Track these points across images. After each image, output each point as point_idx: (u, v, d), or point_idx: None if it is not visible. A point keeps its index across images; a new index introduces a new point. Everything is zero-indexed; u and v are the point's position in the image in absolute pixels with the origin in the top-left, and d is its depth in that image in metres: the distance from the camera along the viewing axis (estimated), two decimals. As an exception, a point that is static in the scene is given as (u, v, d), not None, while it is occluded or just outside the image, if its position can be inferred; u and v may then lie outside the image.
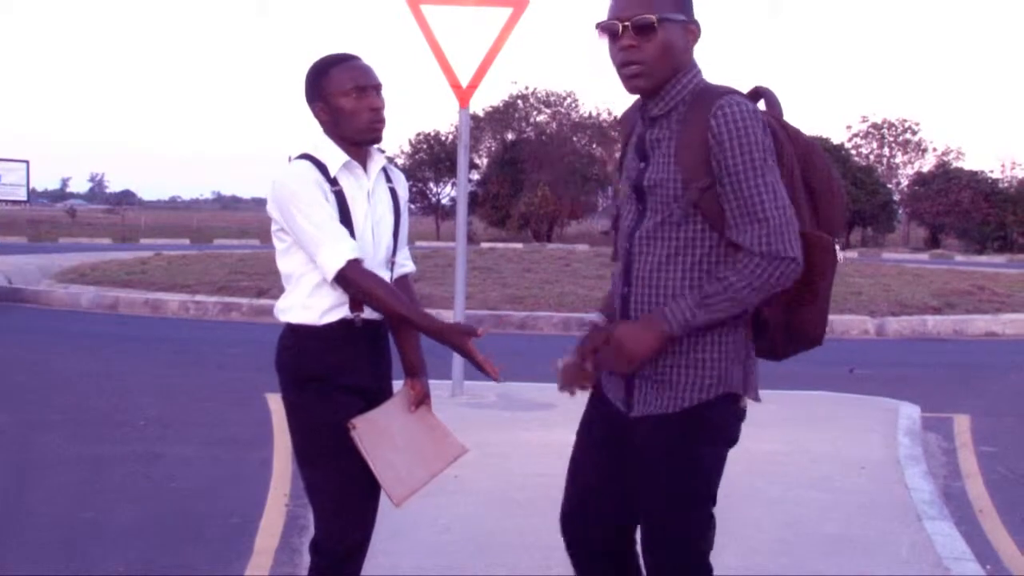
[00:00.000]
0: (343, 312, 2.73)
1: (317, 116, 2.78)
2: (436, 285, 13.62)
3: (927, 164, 46.36)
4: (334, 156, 2.73)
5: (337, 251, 2.63)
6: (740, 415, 2.45)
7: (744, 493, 4.70)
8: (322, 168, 2.72)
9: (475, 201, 39.89)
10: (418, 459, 2.83)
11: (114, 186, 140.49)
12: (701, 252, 2.35)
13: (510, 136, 44.73)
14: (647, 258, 2.39)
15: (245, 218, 66.53)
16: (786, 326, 2.44)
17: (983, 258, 33.32)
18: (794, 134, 2.41)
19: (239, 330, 11.67)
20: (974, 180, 40.72)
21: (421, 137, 45.19)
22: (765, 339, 2.46)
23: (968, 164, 46.81)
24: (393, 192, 2.89)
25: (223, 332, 11.59)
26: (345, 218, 2.70)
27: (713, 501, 2.46)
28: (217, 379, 8.27)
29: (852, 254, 33.13)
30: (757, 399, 2.46)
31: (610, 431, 2.50)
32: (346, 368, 2.74)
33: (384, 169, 2.87)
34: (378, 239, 2.80)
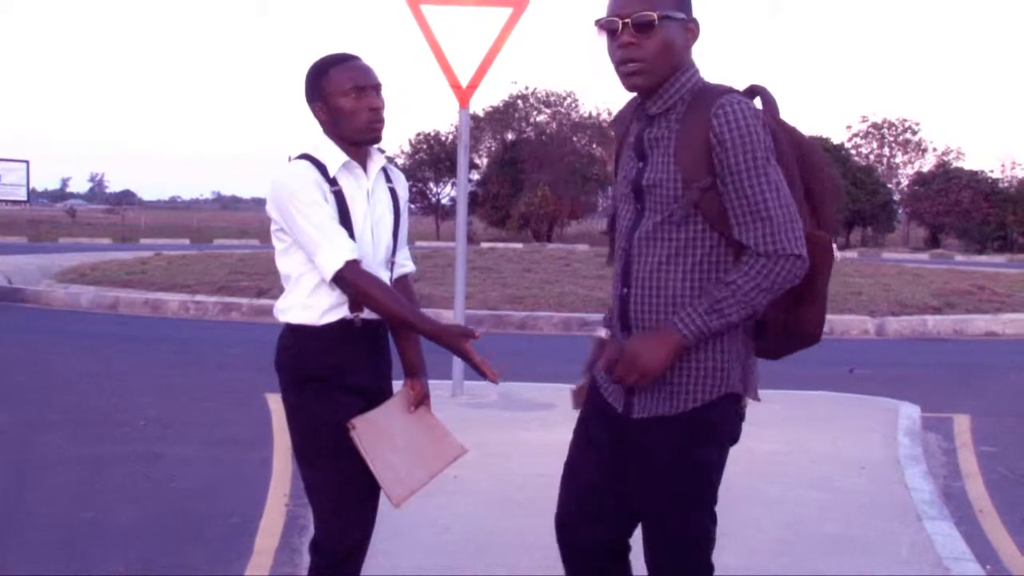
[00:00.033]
0: (343, 312, 2.73)
1: (317, 116, 2.78)
2: (436, 285, 13.62)
3: (927, 164, 46.42)
4: (333, 156, 2.73)
5: (335, 252, 2.63)
6: (741, 415, 2.45)
7: (744, 493, 4.70)
8: (321, 168, 2.71)
9: (475, 201, 39.90)
10: (417, 459, 2.83)
11: (114, 186, 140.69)
12: (702, 252, 2.34)
13: (510, 136, 44.73)
14: (647, 258, 2.38)
15: (245, 218, 66.53)
16: (785, 325, 2.44)
17: (983, 258, 33.31)
18: (791, 133, 2.41)
19: (239, 330, 11.67)
20: (974, 180, 40.71)
21: (421, 137, 45.23)
22: (764, 339, 2.46)
23: (968, 164, 46.82)
24: (393, 192, 2.89)
25: (223, 332, 11.59)
26: (344, 218, 2.70)
27: (714, 500, 2.46)
28: (217, 379, 8.27)
29: (852, 254, 33.13)
30: (757, 399, 2.46)
31: (608, 432, 2.49)
32: (346, 368, 2.74)
33: (384, 169, 2.87)
34: (377, 239, 2.80)
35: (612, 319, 2.52)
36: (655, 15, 2.29)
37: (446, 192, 44.98)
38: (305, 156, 2.75)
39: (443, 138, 44.54)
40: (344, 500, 2.75)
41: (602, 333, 2.59)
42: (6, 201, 40.18)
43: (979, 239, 39.49)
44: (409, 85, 45.05)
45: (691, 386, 2.36)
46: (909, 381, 8.49)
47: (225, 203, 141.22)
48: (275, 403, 6.20)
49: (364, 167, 2.80)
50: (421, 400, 2.91)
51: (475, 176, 42.54)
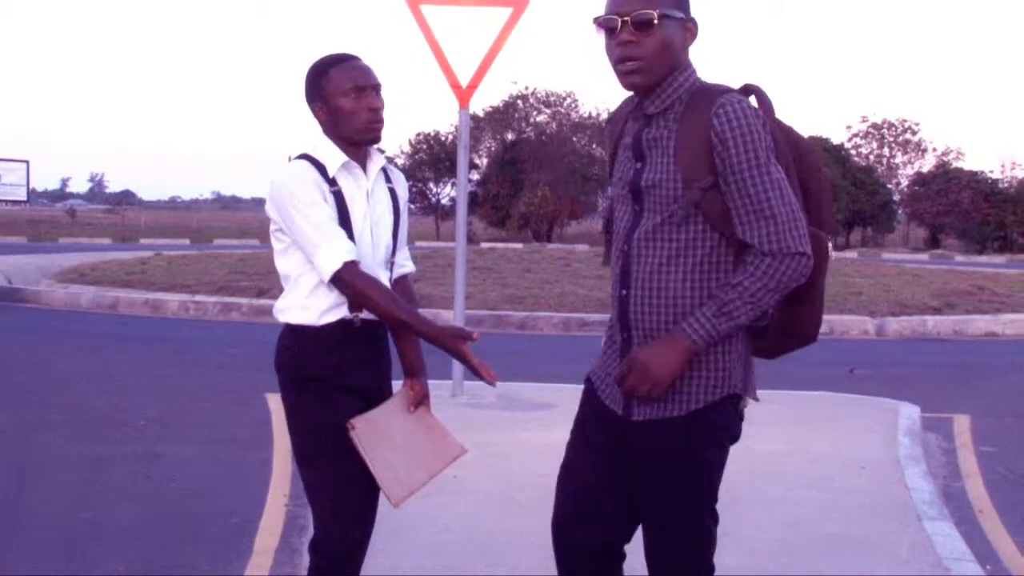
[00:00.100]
0: (342, 312, 2.72)
1: (316, 116, 2.78)
2: (436, 285, 13.62)
3: (927, 164, 46.42)
4: (333, 156, 2.73)
5: (333, 253, 2.63)
6: (741, 414, 2.45)
7: (744, 493, 4.70)
8: (321, 168, 2.71)
9: (475, 201, 39.90)
10: (417, 459, 2.83)
11: (114, 186, 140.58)
12: (702, 253, 2.33)
13: (510, 136, 44.74)
14: (647, 260, 2.36)
15: (245, 218, 66.51)
16: (785, 325, 2.44)
17: (983, 258, 33.31)
18: (788, 132, 2.40)
19: (239, 330, 11.67)
20: (974, 180, 40.72)
21: (421, 137, 45.26)
22: (764, 339, 2.46)
23: (968, 164, 46.91)
24: (392, 192, 2.89)
25: (223, 332, 11.59)
26: (344, 218, 2.70)
27: (715, 499, 2.46)
28: (217, 379, 8.27)
29: (852, 254, 33.14)
30: (756, 399, 2.46)
31: (606, 434, 2.47)
32: (345, 368, 2.74)
33: (384, 169, 2.87)
34: (377, 239, 2.80)
35: (611, 320, 2.51)
36: (655, 13, 2.29)
37: (446, 192, 45.03)
38: (304, 156, 2.75)
39: (443, 138, 44.56)
40: (344, 500, 2.75)
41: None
42: (6, 201, 40.19)
43: (979, 239, 39.50)
44: (409, 85, 45.38)
45: (694, 388, 2.35)
46: (909, 381, 8.49)
47: (225, 203, 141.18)
48: (275, 403, 6.19)
49: (364, 167, 2.79)
50: (421, 400, 2.91)
51: (475, 176, 42.56)
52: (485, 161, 44.43)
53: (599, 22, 2.36)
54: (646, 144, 2.39)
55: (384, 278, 2.80)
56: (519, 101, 44.56)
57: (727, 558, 3.53)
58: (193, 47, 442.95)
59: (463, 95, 7.23)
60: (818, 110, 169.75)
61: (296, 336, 2.75)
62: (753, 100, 2.38)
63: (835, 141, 43.68)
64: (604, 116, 42.36)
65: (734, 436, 2.45)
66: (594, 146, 43.10)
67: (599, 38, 2.39)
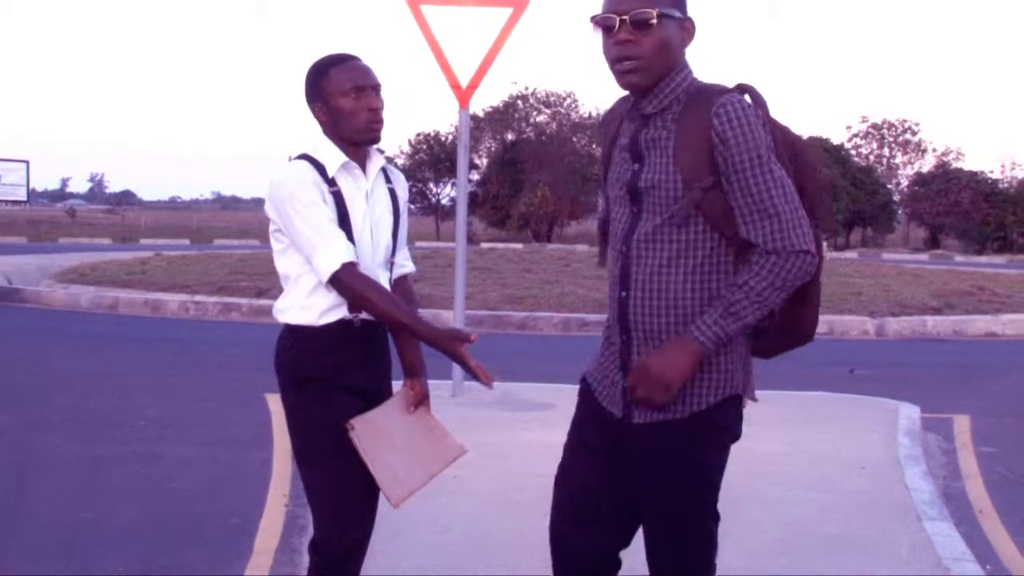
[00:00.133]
0: (342, 313, 2.72)
1: (316, 116, 2.78)
2: (436, 285, 13.62)
3: (927, 164, 46.47)
4: (332, 156, 2.73)
5: (332, 254, 2.63)
6: (741, 414, 2.45)
7: (744, 493, 4.69)
8: (320, 168, 2.71)
9: (475, 201, 39.90)
10: (416, 460, 2.83)
11: (114, 186, 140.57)
12: (703, 254, 2.33)
13: (510, 136, 44.75)
14: (647, 261, 2.35)
15: (245, 218, 66.48)
16: (783, 325, 2.44)
17: (983, 258, 33.30)
18: (784, 132, 2.40)
19: (239, 330, 11.67)
20: (974, 180, 40.73)
21: (421, 137, 45.27)
22: (763, 338, 2.46)
23: (968, 164, 46.97)
24: (392, 192, 2.89)
25: (223, 332, 11.59)
26: (343, 219, 2.70)
27: (716, 499, 2.45)
28: (217, 379, 8.27)
29: (852, 254, 33.12)
30: (755, 399, 2.46)
31: (604, 436, 2.46)
32: (345, 369, 2.74)
33: (383, 169, 2.87)
34: (377, 239, 2.80)
35: (608, 321, 2.50)
36: (654, 12, 2.28)
37: (446, 192, 45.04)
38: (304, 156, 2.75)
39: (443, 138, 44.56)
40: (343, 501, 2.75)
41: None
42: (6, 201, 40.22)
43: (979, 240, 39.50)
44: (409, 85, 45.28)
45: (696, 389, 2.34)
46: (909, 381, 8.48)
47: (225, 203, 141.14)
48: (275, 403, 6.19)
49: (363, 167, 2.79)
50: (420, 400, 2.90)
51: (475, 176, 42.57)
52: (485, 161, 44.45)
53: (597, 21, 2.34)
54: (644, 145, 2.37)
55: (384, 278, 2.81)
56: (519, 101, 44.60)
57: (727, 558, 3.53)
58: (193, 47, 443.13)
59: (463, 95, 7.23)
60: (818, 110, 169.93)
61: (296, 336, 2.75)
62: (748, 100, 2.38)
63: (835, 141, 43.73)
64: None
65: (735, 436, 2.45)
66: (594, 146, 43.09)
67: (596, 37, 2.37)
